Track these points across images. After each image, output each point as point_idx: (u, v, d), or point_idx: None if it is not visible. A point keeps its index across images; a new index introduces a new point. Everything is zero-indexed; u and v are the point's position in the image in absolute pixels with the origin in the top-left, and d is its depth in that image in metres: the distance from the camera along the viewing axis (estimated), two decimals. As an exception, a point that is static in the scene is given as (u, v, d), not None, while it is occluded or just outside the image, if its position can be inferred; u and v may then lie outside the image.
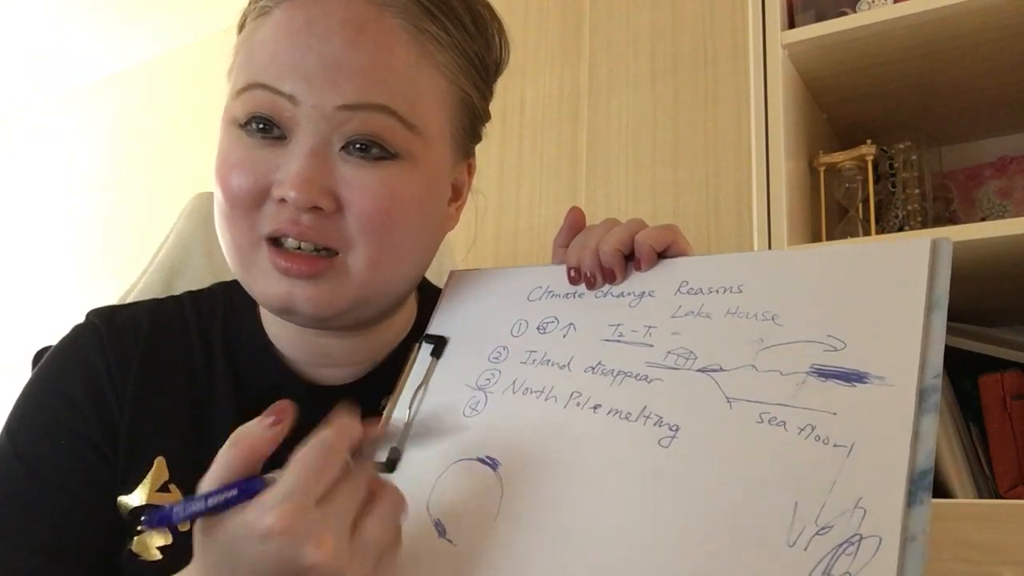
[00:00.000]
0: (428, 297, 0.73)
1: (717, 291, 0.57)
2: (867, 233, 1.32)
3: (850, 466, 0.46)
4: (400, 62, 0.60)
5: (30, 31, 2.87)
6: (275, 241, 0.62)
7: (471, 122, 0.69)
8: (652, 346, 0.57)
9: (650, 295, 0.60)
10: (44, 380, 0.68)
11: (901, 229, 1.35)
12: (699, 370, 0.54)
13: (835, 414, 0.48)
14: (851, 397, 0.48)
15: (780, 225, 1.23)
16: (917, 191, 1.37)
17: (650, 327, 0.58)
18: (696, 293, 0.58)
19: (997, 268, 1.20)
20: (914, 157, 1.39)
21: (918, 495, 0.44)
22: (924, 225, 1.34)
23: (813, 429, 0.48)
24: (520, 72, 1.82)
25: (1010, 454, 1.15)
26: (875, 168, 1.35)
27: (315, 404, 0.67)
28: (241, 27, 0.66)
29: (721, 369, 0.53)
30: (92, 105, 3.15)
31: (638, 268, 0.62)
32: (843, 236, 1.35)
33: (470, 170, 0.72)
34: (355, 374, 0.71)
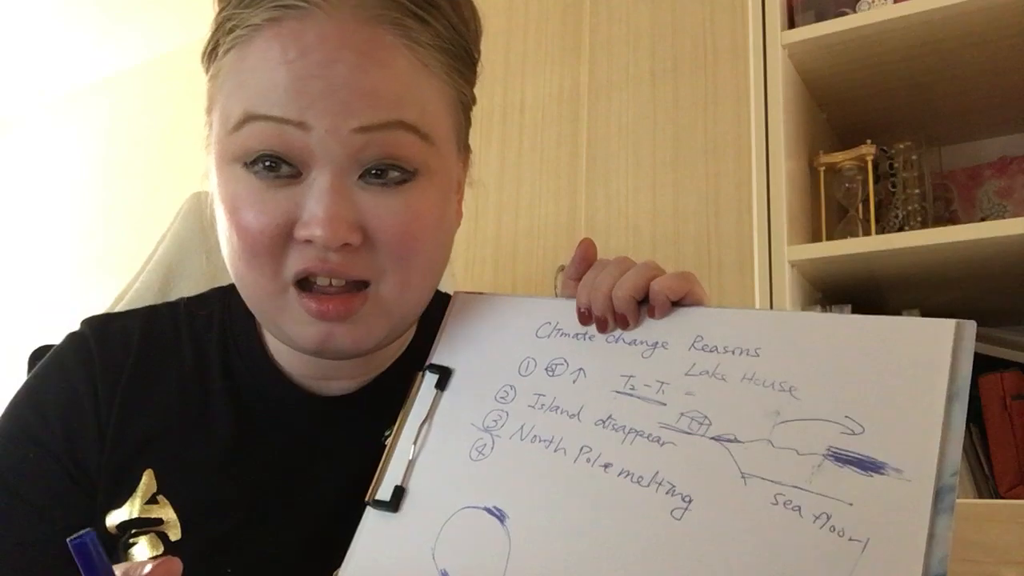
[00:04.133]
0: (430, 302, 0.72)
1: (733, 352, 0.56)
2: (867, 233, 1.32)
3: (864, 563, 0.45)
4: (405, 77, 0.59)
5: (27, 32, 2.87)
6: (302, 283, 0.60)
7: (466, 115, 0.68)
8: (665, 405, 0.56)
9: (663, 347, 0.59)
10: (26, 390, 0.67)
11: (901, 229, 1.35)
12: (713, 438, 0.53)
13: (851, 505, 0.47)
14: (867, 488, 0.48)
15: (780, 225, 1.23)
16: (917, 191, 1.37)
17: (663, 383, 0.57)
18: (711, 351, 0.57)
19: (997, 268, 1.20)
20: (914, 157, 1.39)
21: None
22: (924, 225, 1.34)
23: (828, 519, 0.47)
24: (520, 72, 1.82)
25: (1010, 454, 1.15)
26: (875, 168, 1.35)
27: (315, 414, 0.67)
28: (209, 56, 0.62)
29: (736, 440, 0.53)
30: (89, 106, 3.15)
31: (651, 315, 0.60)
32: (843, 236, 1.35)
33: (466, 162, 0.71)
34: (355, 385, 0.70)
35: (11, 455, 0.64)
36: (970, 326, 0.50)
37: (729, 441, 0.53)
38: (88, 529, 0.48)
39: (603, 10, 1.77)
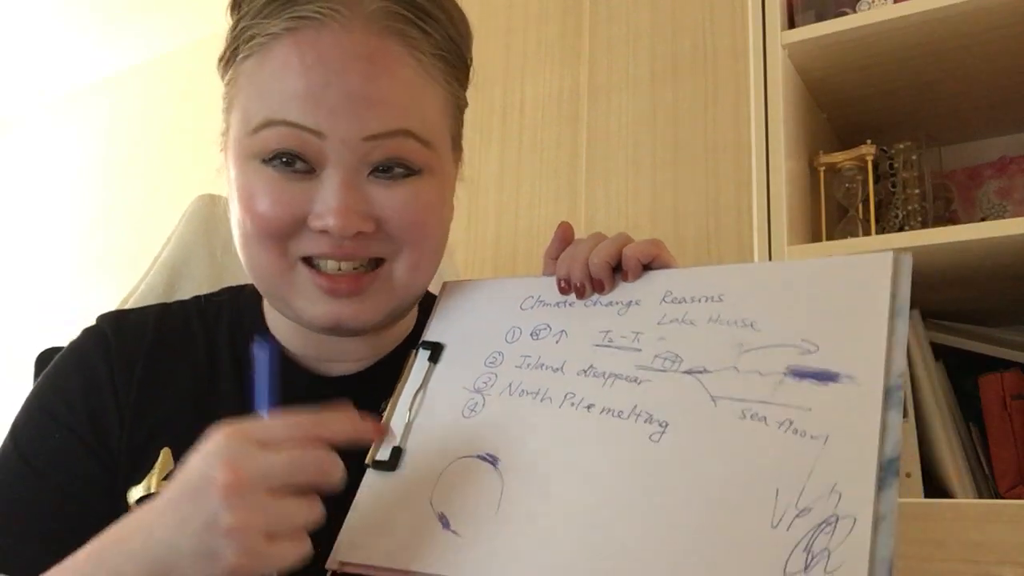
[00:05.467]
0: (428, 296, 0.76)
1: (699, 300, 0.62)
2: (867, 233, 1.32)
3: (825, 456, 0.51)
4: (410, 86, 0.64)
5: (27, 32, 2.87)
6: (309, 261, 0.64)
7: (461, 117, 0.73)
8: (640, 350, 0.61)
9: (636, 304, 0.64)
10: (47, 379, 0.71)
11: (901, 229, 1.35)
12: (685, 372, 0.59)
13: (810, 410, 0.53)
14: (824, 395, 0.53)
15: (780, 225, 1.23)
16: (917, 191, 1.37)
17: (638, 333, 0.62)
18: (680, 302, 0.63)
19: (997, 268, 1.20)
20: (914, 157, 1.38)
21: (887, 479, 0.49)
22: (924, 225, 1.34)
23: (791, 423, 0.53)
24: (520, 72, 1.82)
25: (1010, 454, 1.15)
26: (875, 168, 1.34)
27: (319, 393, 0.70)
28: (228, 60, 0.67)
29: (705, 371, 0.58)
30: (89, 106, 3.15)
31: (625, 279, 0.66)
32: (843, 236, 1.35)
33: (458, 160, 0.75)
34: (359, 367, 0.74)
35: (38, 439, 0.67)
36: (906, 257, 0.57)
37: (699, 372, 0.58)
38: (267, 343, 0.57)
39: (603, 10, 1.77)
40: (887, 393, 0.51)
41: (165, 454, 0.67)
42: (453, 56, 0.69)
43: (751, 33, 1.32)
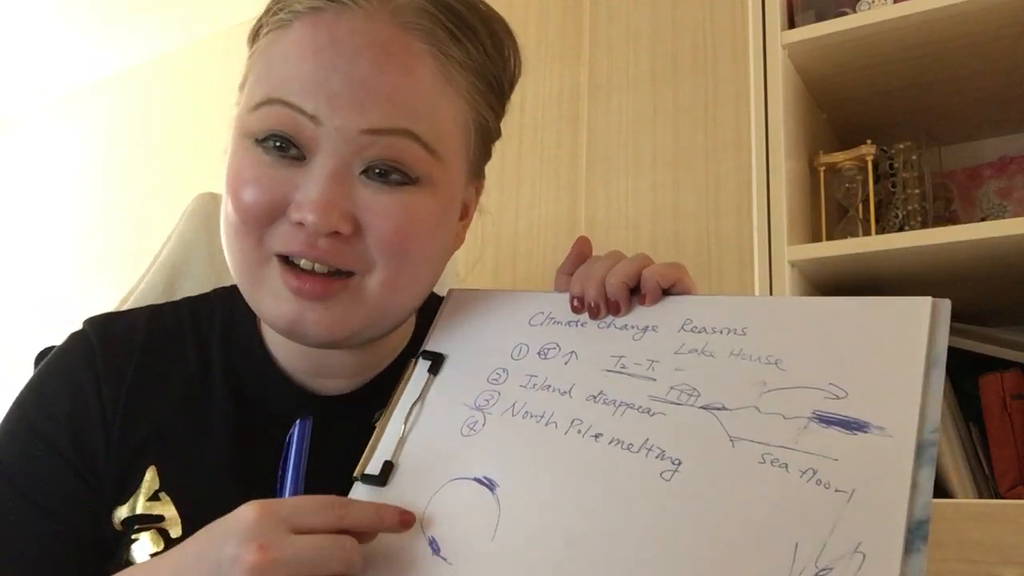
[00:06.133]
0: (427, 307, 0.71)
1: (721, 331, 0.58)
2: (867, 233, 1.32)
3: (850, 512, 0.47)
4: (425, 87, 0.60)
5: (27, 32, 2.87)
6: (286, 259, 0.61)
7: (485, 143, 0.69)
8: (655, 380, 0.57)
9: (653, 330, 0.60)
10: (31, 392, 0.68)
11: (901, 229, 1.35)
12: (702, 407, 0.55)
13: (836, 460, 0.49)
14: (852, 445, 0.49)
15: (780, 225, 1.23)
16: (917, 191, 1.37)
17: (653, 361, 0.58)
18: (700, 332, 0.59)
19: (997, 268, 1.20)
20: (914, 157, 1.38)
21: (915, 543, 0.45)
22: (924, 225, 1.34)
23: (815, 473, 0.49)
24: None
25: (1010, 454, 1.15)
26: (875, 168, 1.34)
27: (314, 413, 0.66)
28: (254, 37, 0.64)
29: (724, 408, 0.54)
30: (89, 106, 3.15)
31: (642, 303, 0.62)
32: (843, 236, 1.35)
33: (478, 189, 0.73)
34: (354, 384, 0.71)
35: (19, 456, 0.64)
36: (944, 304, 0.53)
37: (717, 409, 0.54)
38: (310, 416, 0.56)
39: (603, 10, 1.77)
40: (920, 449, 0.48)
41: (152, 473, 0.65)
42: (485, 72, 0.64)
43: (751, 33, 1.32)
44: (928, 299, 0.53)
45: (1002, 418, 1.17)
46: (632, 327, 0.61)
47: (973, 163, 1.56)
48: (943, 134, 1.50)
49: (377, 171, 0.59)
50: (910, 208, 1.36)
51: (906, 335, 0.52)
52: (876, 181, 1.35)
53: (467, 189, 0.69)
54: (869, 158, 1.33)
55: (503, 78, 0.68)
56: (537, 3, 1.86)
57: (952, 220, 1.52)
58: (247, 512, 0.50)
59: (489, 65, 0.65)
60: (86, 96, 3.17)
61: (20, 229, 3.25)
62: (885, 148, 1.39)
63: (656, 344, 0.59)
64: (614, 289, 0.61)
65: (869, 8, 1.26)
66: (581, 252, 0.67)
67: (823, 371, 0.53)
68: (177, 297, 0.85)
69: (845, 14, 1.27)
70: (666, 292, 0.62)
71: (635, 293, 0.62)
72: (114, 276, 2.63)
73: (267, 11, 0.63)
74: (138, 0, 2.68)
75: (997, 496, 1.15)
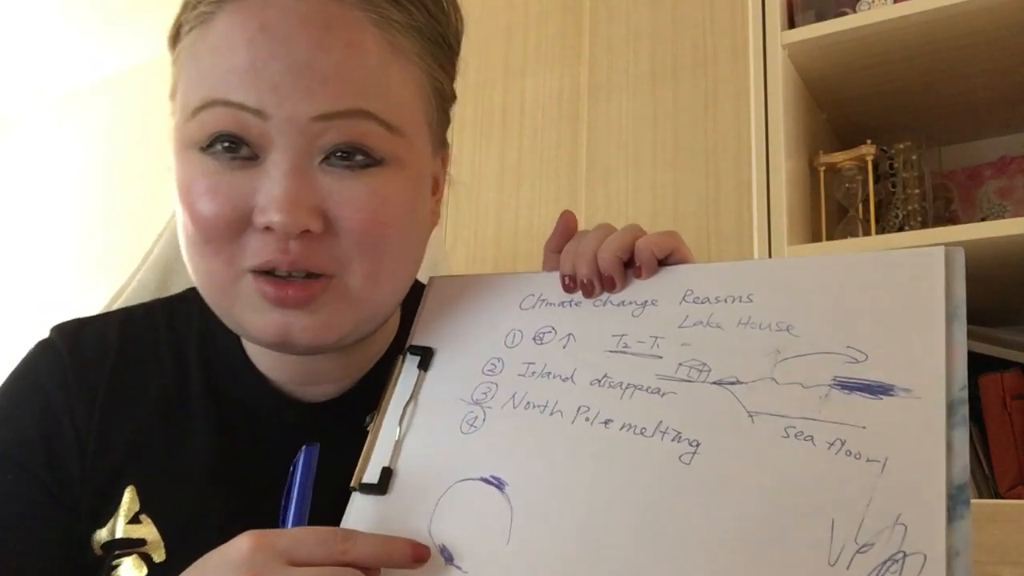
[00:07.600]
0: (412, 297, 0.66)
1: (725, 300, 0.55)
2: (867, 233, 1.32)
3: (885, 482, 0.44)
4: (373, 58, 0.55)
5: (27, 32, 2.87)
6: (259, 272, 0.56)
7: (444, 108, 0.64)
8: (661, 357, 0.54)
9: (653, 304, 0.57)
10: None
11: (901, 229, 1.35)
12: (715, 383, 0.52)
13: (864, 428, 0.46)
14: (879, 410, 0.47)
15: (780, 225, 1.23)
16: (917, 191, 1.37)
17: (657, 337, 0.55)
18: (703, 302, 0.55)
19: (997, 268, 1.20)
20: (914, 157, 1.38)
21: (958, 510, 0.43)
22: (924, 225, 1.34)
23: (843, 444, 0.46)
24: (520, 72, 1.82)
25: (1010, 454, 1.15)
26: (875, 168, 1.35)
27: (299, 422, 0.64)
28: (174, 38, 0.58)
29: (739, 382, 0.51)
30: (89, 106, 3.15)
31: (638, 276, 0.58)
32: (843, 236, 1.35)
33: (444, 160, 0.67)
34: (339, 389, 0.66)
35: None
36: (959, 252, 0.50)
37: (731, 384, 0.51)
38: (317, 443, 0.52)
39: (603, 10, 1.77)
40: (950, 408, 0.45)
41: (131, 493, 0.61)
42: (432, 33, 0.59)
43: (751, 33, 1.32)
44: (941, 248, 0.50)
45: (1002, 418, 1.17)
46: (630, 303, 0.58)
47: (973, 163, 1.56)
48: (943, 134, 1.50)
49: (339, 155, 0.54)
50: (910, 208, 1.36)
51: (921, 289, 0.49)
52: (876, 181, 1.35)
53: (434, 161, 0.64)
54: (869, 158, 1.34)
55: (449, 35, 0.62)
56: (537, 3, 1.86)
57: (952, 220, 1.52)
58: (242, 543, 0.46)
59: (434, 24, 0.60)
60: (86, 96, 3.17)
61: (20, 229, 3.25)
62: (885, 148, 1.39)
63: (658, 319, 0.56)
64: (607, 263, 0.58)
65: (869, 8, 1.26)
66: (568, 226, 0.62)
67: (838, 334, 0.50)
68: (170, 294, 0.84)
69: (845, 14, 1.27)
70: (662, 263, 0.58)
71: (629, 266, 0.59)
72: (114, 276, 2.62)
73: (185, 6, 0.57)
74: (138, 0, 2.68)
75: (997, 496, 1.15)
